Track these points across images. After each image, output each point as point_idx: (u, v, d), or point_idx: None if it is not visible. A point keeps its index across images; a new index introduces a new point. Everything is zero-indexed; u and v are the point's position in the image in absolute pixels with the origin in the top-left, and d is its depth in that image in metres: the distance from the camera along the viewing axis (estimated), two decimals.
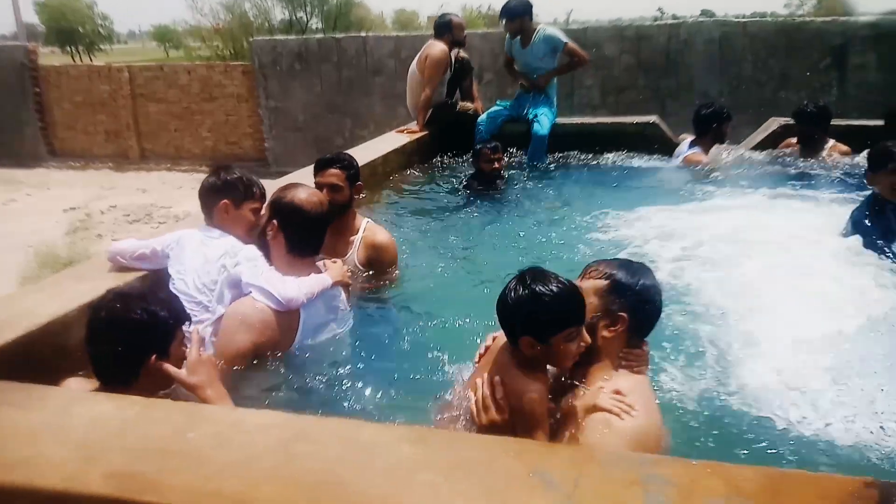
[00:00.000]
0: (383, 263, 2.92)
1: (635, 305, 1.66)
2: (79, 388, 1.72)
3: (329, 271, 2.32)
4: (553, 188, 4.72)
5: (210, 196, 2.45)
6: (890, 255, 2.89)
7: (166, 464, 1.21)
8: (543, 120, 5.17)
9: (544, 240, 3.54)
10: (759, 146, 5.16)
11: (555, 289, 1.54)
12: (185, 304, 2.11)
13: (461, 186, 4.56)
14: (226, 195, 2.43)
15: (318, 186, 2.69)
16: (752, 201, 3.92)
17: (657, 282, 1.73)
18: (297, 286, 2.14)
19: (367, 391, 2.14)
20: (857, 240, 3.01)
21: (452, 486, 1.14)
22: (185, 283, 2.26)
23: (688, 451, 1.60)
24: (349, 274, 2.48)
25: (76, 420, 1.38)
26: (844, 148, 4.85)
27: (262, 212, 2.41)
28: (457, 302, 2.88)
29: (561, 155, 5.28)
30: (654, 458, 1.23)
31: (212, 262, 2.27)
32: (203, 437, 1.25)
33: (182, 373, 1.71)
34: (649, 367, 1.74)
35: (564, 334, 1.54)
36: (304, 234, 2.26)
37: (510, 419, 1.56)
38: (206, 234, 2.40)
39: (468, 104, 5.34)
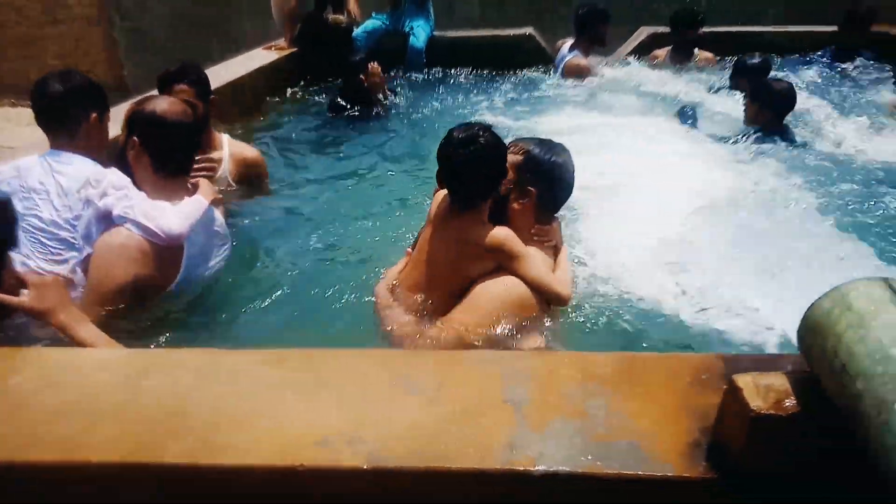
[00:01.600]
0: (258, 177, 2.79)
1: (545, 181, 1.75)
2: None
3: (200, 191, 2.10)
4: (429, 104, 4.62)
5: (72, 106, 2.01)
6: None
7: None
8: (420, 32, 5.02)
9: (425, 154, 3.49)
10: (631, 55, 5.30)
11: (484, 128, 1.67)
12: (45, 242, 1.88)
13: (329, 107, 4.26)
14: (95, 105, 2.05)
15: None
16: (627, 108, 4.05)
17: (571, 161, 1.81)
18: (177, 216, 1.93)
19: (264, 316, 2.06)
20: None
21: (312, 403, 1.10)
22: (39, 220, 1.95)
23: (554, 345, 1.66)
24: (217, 190, 2.29)
25: None
26: (710, 55, 5.09)
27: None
28: (335, 217, 2.82)
29: (438, 70, 5.19)
30: (514, 354, 1.25)
31: (71, 195, 1.96)
32: (29, 380, 1.13)
33: (23, 299, 1.51)
34: (563, 242, 1.83)
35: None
36: (171, 150, 2.02)
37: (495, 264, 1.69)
38: (53, 160, 2.01)
39: (340, 17, 5.03)
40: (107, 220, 1.92)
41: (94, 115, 2.05)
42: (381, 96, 4.26)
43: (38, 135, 2.14)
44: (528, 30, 5.45)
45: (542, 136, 1.89)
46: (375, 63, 4.16)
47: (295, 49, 4.77)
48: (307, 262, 2.46)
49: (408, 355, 1.22)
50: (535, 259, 1.71)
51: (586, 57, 4.90)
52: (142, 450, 0.98)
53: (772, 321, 1.41)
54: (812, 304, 0.91)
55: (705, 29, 5.07)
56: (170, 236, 1.89)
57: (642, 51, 5.40)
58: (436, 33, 5.32)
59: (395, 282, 1.92)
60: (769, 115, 3.55)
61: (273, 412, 1.08)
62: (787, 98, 3.56)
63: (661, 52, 5.20)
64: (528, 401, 1.10)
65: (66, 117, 2.02)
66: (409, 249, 1.97)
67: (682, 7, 5.10)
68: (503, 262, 1.71)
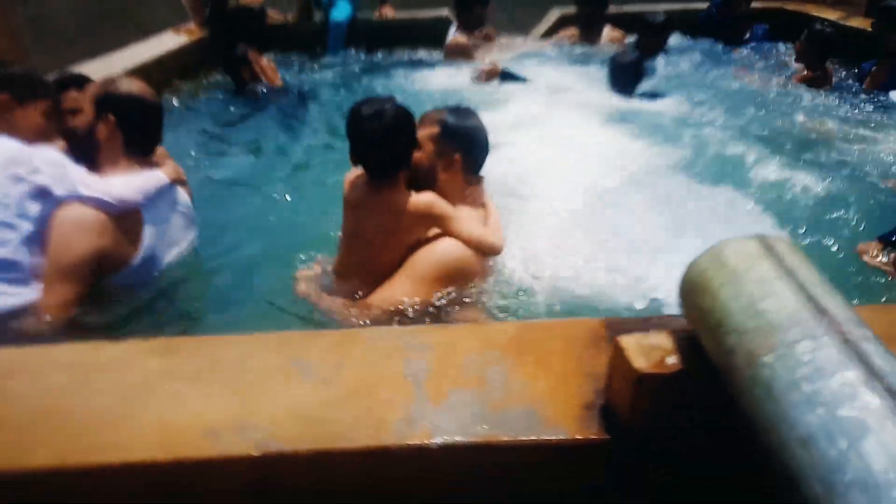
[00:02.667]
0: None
1: (466, 145, 1.81)
2: None
3: (162, 169, 2.09)
4: (340, 88, 4.55)
5: None
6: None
7: None
8: (342, 6, 4.91)
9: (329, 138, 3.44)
10: (543, 37, 5.38)
11: (387, 99, 1.71)
12: None
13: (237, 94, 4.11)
14: (5, 89, 2.05)
15: (56, 114, 2.30)
16: (537, 82, 4.10)
17: (481, 122, 1.88)
18: (124, 185, 1.89)
19: (230, 300, 2.01)
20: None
21: (201, 391, 1.05)
22: None
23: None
24: (182, 171, 2.23)
25: None
26: (619, 34, 5.21)
27: (81, 110, 2.05)
28: (254, 203, 2.76)
29: (355, 52, 5.12)
30: (415, 329, 1.23)
31: None
32: None
33: None
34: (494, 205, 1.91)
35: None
36: (146, 128, 2.05)
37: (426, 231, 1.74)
38: None
39: None
40: (43, 196, 1.86)
41: (3, 96, 2.06)
42: (273, 83, 4.12)
43: None
44: (445, 12, 5.47)
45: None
46: (255, 51, 4.05)
47: (205, 32, 4.58)
48: (235, 249, 2.40)
49: (304, 337, 1.18)
50: (464, 216, 1.75)
51: (468, 37, 4.93)
52: (3, 459, 0.91)
53: (662, 283, 1.46)
54: (691, 263, 0.92)
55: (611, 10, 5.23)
56: (119, 200, 1.86)
57: (553, 32, 5.50)
58: (357, 16, 5.24)
59: (329, 272, 1.92)
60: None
61: (158, 405, 1.02)
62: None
63: (572, 32, 5.30)
64: (427, 374, 1.08)
65: None
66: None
67: None
68: (436, 225, 1.74)
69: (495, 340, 1.14)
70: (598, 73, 4.23)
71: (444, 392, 1.03)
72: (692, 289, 0.90)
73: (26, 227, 1.84)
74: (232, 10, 4.75)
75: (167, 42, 4.35)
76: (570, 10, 5.53)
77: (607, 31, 5.16)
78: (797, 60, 4.47)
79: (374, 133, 1.70)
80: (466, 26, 4.88)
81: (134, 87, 2.07)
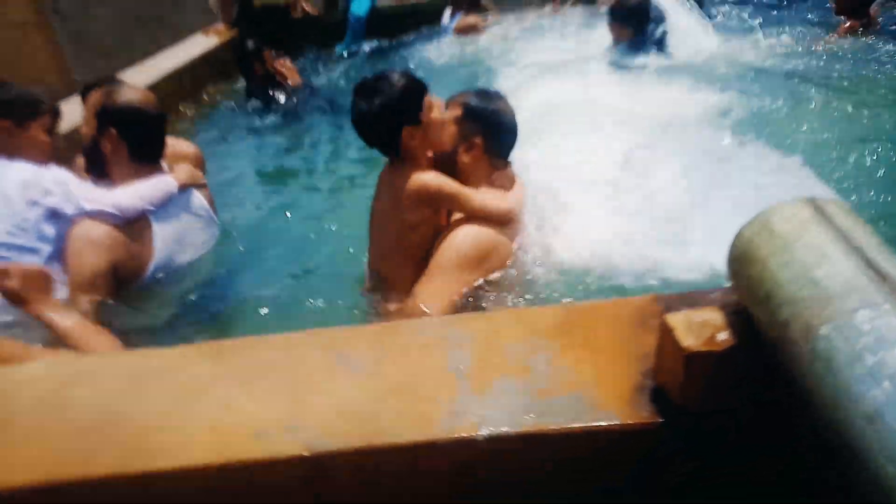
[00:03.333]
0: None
1: (489, 128, 1.77)
2: None
3: (176, 173, 2.12)
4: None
5: None
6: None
7: None
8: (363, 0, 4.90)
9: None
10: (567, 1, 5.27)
11: (392, 77, 1.67)
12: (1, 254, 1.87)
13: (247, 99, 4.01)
14: (5, 116, 2.11)
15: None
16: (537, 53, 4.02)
17: (508, 104, 1.83)
18: (126, 193, 1.93)
19: (240, 300, 2.06)
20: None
21: (249, 392, 1.07)
22: None
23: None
24: (200, 174, 2.27)
25: None
26: None
27: (84, 125, 2.10)
28: (291, 202, 2.78)
29: (378, 42, 5.11)
30: (456, 318, 1.22)
31: (13, 199, 1.95)
32: None
33: (5, 283, 1.54)
34: (521, 183, 1.86)
35: (426, 106, 1.68)
36: (148, 137, 2.07)
37: (436, 213, 1.73)
38: None
39: None
40: (57, 217, 1.92)
41: (4, 123, 2.10)
42: (291, 82, 4.02)
43: None
44: None
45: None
46: (270, 50, 3.98)
47: (233, 32, 4.63)
48: (280, 247, 2.44)
49: (346, 332, 1.18)
50: (467, 190, 1.71)
51: (472, 16, 4.94)
52: (67, 465, 0.94)
53: (708, 253, 1.40)
54: (738, 232, 0.88)
55: None
56: (121, 210, 1.89)
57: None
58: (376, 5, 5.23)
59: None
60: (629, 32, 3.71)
61: (208, 408, 1.04)
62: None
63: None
64: (470, 364, 1.07)
65: None
66: None
67: None
68: (438, 204, 1.71)
69: (539, 326, 1.12)
70: (603, 33, 4.10)
71: (489, 382, 1.02)
72: (740, 259, 0.86)
73: (47, 249, 1.91)
74: (259, 7, 4.79)
75: (197, 45, 4.41)
76: None
77: None
78: (837, 13, 4.20)
79: (361, 108, 1.70)
80: (465, 7, 4.86)
81: (133, 96, 2.08)
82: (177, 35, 8.05)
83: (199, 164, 2.75)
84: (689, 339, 0.86)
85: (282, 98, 3.91)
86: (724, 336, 0.86)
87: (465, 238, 1.68)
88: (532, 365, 1.04)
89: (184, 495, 0.96)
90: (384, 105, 1.66)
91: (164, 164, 2.19)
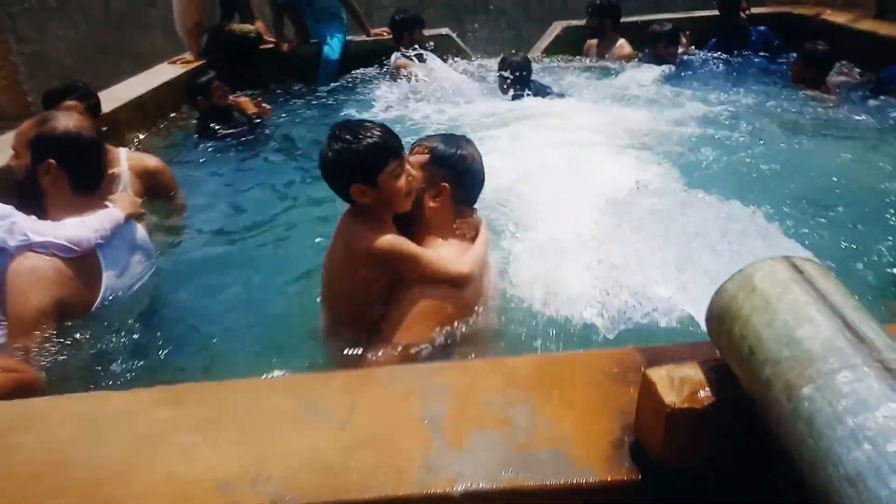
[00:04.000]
0: (163, 188, 2.66)
1: (456, 175, 1.74)
2: None
3: (117, 204, 2.01)
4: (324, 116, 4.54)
5: None
6: None
7: None
8: (335, 43, 4.95)
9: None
10: (546, 51, 5.41)
11: (364, 130, 1.63)
12: None
13: (197, 131, 3.93)
14: None
15: None
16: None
17: (476, 151, 1.81)
18: (78, 226, 1.82)
19: (191, 339, 1.99)
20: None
21: (211, 440, 1.01)
22: None
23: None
24: (139, 202, 2.17)
25: None
26: (630, 51, 5.22)
27: (13, 158, 2.00)
28: (252, 234, 2.73)
29: (352, 75, 5.14)
30: (432, 367, 1.19)
31: None
32: None
33: None
34: (486, 231, 1.83)
35: (388, 170, 1.62)
36: (89, 166, 1.95)
37: (388, 274, 1.66)
38: None
39: (248, 26, 4.89)
40: None
41: None
42: (252, 114, 3.99)
43: None
44: (445, 30, 5.50)
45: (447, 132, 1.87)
46: (219, 83, 3.92)
47: (202, 62, 4.59)
48: (234, 279, 2.36)
49: (316, 379, 1.14)
50: (427, 255, 1.67)
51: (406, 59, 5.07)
52: None
53: (687, 307, 1.41)
54: (719, 289, 0.88)
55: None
56: (74, 242, 1.79)
57: (558, 44, 5.52)
58: (354, 39, 5.27)
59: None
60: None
61: (167, 457, 0.98)
62: None
63: (592, 43, 5.36)
64: (446, 416, 1.04)
65: None
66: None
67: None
68: (396, 267, 1.67)
69: (517, 376, 1.10)
70: (604, 87, 4.24)
71: (465, 435, 0.99)
72: (721, 315, 0.86)
73: None
74: (229, 37, 4.77)
75: (162, 74, 4.35)
76: (574, 21, 5.57)
77: (620, 45, 5.21)
78: (794, 81, 4.43)
79: (323, 152, 1.67)
80: (406, 46, 5.00)
81: (70, 123, 1.95)
82: (141, 62, 7.96)
83: (167, 177, 2.69)
84: (670, 396, 0.85)
85: (227, 131, 3.81)
86: (705, 392, 0.86)
87: (418, 300, 1.63)
88: (510, 417, 1.02)
89: None
90: (341, 156, 1.62)
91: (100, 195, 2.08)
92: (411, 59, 4.75)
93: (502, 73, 4.23)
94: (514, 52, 4.44)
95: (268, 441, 1.00)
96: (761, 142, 3.41)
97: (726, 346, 0.86)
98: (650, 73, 4.59)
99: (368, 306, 1.71)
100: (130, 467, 0.96)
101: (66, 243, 1.78)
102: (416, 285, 1.65)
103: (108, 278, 1.88)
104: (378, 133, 1.64)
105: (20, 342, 1.69)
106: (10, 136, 2.41)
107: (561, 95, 4.30)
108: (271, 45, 5.13)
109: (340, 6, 5.21)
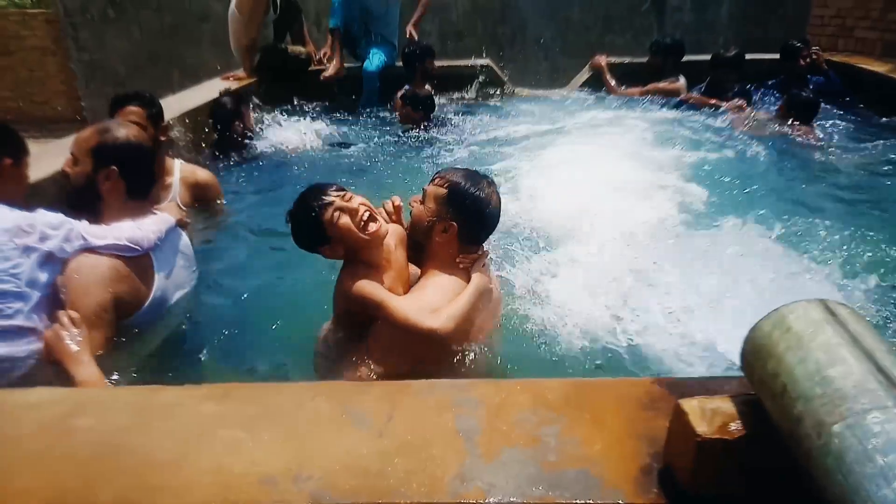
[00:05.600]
0: (210, 199, 2.77)
1: (468, 214, 1.77)
2: None
3: (168, 211, 2.12)
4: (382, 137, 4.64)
5: None
6: None
7: None
8: (375, 57, 5.05)
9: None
10: (583, 85, 5.48)
11: (296, 203, 1.74)
12: None
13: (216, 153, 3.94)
14: (6, 150, 2.04)
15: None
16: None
17: (496, 193, 1.82)
18: (133, 228, 1.91)
19: (236, 343, 2.03)
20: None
21: (256, 436, 1.06)
22: None
23: (512, 372, 1.66)
24: (186, 214, 2.27)
25: None
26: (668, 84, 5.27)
27: (70, 164, 2.05)
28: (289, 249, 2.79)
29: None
30: (467, 383, 1.23)
31: (3, 245, 1.82)
32: None
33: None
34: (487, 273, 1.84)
35: (326, 221, 1.70)
36: (144, 173, 2.05)
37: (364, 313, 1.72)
38: None
39: (299, 48, 5.06)
40: (52, 261, 1.85)
41: (7, 160, 2.03)
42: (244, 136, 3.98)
43: None
44: (486, 60, 5.60)
45: (470, 168, 1.88)
46: (249, 108, 4.05)
47: (254, 79, 4.75)
48: (270, 289, 2.43)
49: (356, 387, 1.19)
50: (397, 304, 1.69)
51: (422, 87, 5.12)
52: (67, 496, 0.93)
53: (719, 342, 1.43)
54: (754, 326, 0.91)
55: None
56: (136, 243, 1.88)
57: (595, 78, 5.59)
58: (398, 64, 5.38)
59: None
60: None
61: (214, 449, 1.04)
62: None
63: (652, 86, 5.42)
64: (479, 430, 1.07)
65: None
66: None
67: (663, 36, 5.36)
68: (366, 310, 1.71)
69: (547, 397, 1.13)
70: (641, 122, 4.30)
71: (497, 449, 1.03)
72: (756, 352, 0.89)
73: (36, 295, 1.81)
74: (281, 57, 4.93)
75: (216, 88, 4.51)
76: (612, 58, 5.64)
77: (680, 85, 5.25)
78: (779, 117, 4.61)
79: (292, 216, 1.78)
80: (418, 80, 5.10)
81: (130, 133, 2.04)
82: (190, 73, 8.25)
83: (215, 190, 2.79)
84: (702, 426, 0.88)
85: (253, 152, 3.91)
86: (736, 425, 0.89)
87: (386, 337, 1.70)
88: (541, 436, 1.06)
89: None
90: (294, 238, 1.77)
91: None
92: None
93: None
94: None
95: (309, 442, 1.05)
96: (803, 185, 3.42)
97: (759, 382, 0.89)
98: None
99: (351, 334, 1.80)
100: (179, 457, 1.02)
101: (127, 243, 1.86)
102: (383, 325, 1.71)
103: (159, 279, 1.95)
104: (301, 202, 1.74)
105: (82, 338, 1.72)
106: (64, 143, 2.52)
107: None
108: (320, 68, 5.27)
109: (396, 34, 5.33)
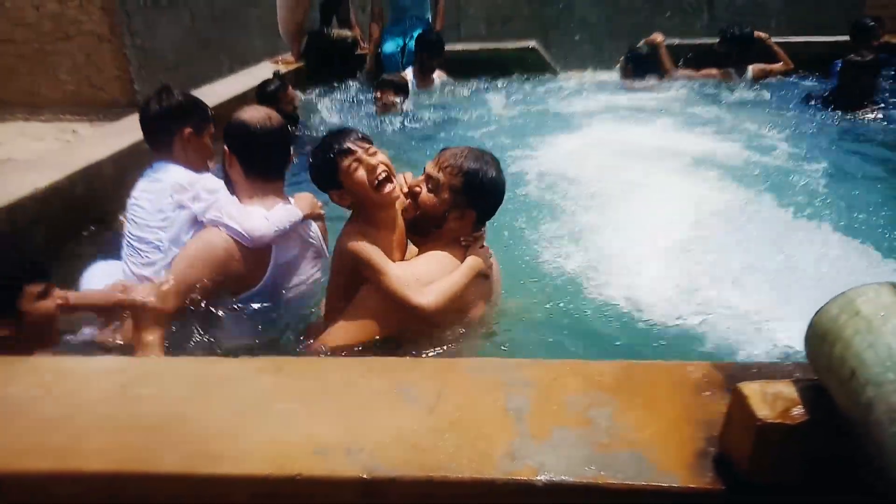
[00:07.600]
0: None
1: (483, 201, 1.78)
2: None
3: (298, 202, 2.11)
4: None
5: (166, 123, 2.15)
6: None
7: None
8: (389, 42, 5.05)
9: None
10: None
11: (321, 142, 1.76)
12: (135, 246, 2.01)
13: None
14: (189, 120, 2.16)
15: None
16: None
17: (501, 172, 1.82)
18: (262, 220, 1.94)
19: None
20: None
21: (310, 410, 1.09)
22: (134, 224, 2.06)
23: (558, 352, 1.65)
24: (321, 206, 2.22)
25: None
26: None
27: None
28: None
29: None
30: (515, 362, 1.23)
31: (163, 199, 2.04)
32: (25, 389, 1.11)
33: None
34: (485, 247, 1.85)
35: (343, 169, 1.70)
36: (257, 154, 2.04)
37: (351, 272, 1.73)
38: (152, 171, 2.13)
39: (345, 31, 5.09)
40: (198, 224, 1.99)
41: (187, 129, 2.16)
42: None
43: (49, 148, 2.17)
44: (532, 42, 5.54)
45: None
46: (291, 88, 4.00)
47: (301, 63, 4.80)
48: None
49: (408, 363, 1.20)
50: (391, 271, 1.68)
51: (425, 78, 5.02)
52: (136, 459, 0.97)
53: (776, 327, 1.38)
54: (819, 310, 0.88)
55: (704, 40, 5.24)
56: (252, 237, 1.91)
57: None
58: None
59: None
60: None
61: (270, 420, 1.07)
62: None
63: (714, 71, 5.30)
64: (529, 409, 1.07)
65: (161, 133, 2.17)
66: None
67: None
68: (358, 269, 1.71)
69: (598, 379, 1.12)
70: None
71: (548, 429, 1.03)
72: (821, 336, 0.86)
73: (174, 251, 1.96)
74: (327, 41, 4.96)
75: (264, 72, 4.57)
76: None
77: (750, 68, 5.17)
78: None
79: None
80: (425, 70, 4.99)
81: (242, 116, 2.06)
82: (238, 58, 8.38)
83: None
84: (763, 410, 0.86)
85: (298, 133, 3.93)
86: (798, 410, 0.86)
87: (365, 301, 1.70)
88: (591, 418, 1.05)
89: (242, 502, 0.98)
90: (310, 173, 1.78)
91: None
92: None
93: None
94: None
95: (361, 416, 1.07)
96: (860, 175, 3.29)
97: (825, 367, 0.86)
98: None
99: (337, 297, 1.80)
100: (237, 426, 1.05)
101: (247, 235, 1.90)
102: (371, 287, 1.70)
103: (273, 268, 1.98)
104: (326, 140, 1.74)
105: (172, 298, 1.82)
106: (119, 126, 2.57)
107: None
108: (365, 52, 5.29)
109: (428, 9, 5.29)
